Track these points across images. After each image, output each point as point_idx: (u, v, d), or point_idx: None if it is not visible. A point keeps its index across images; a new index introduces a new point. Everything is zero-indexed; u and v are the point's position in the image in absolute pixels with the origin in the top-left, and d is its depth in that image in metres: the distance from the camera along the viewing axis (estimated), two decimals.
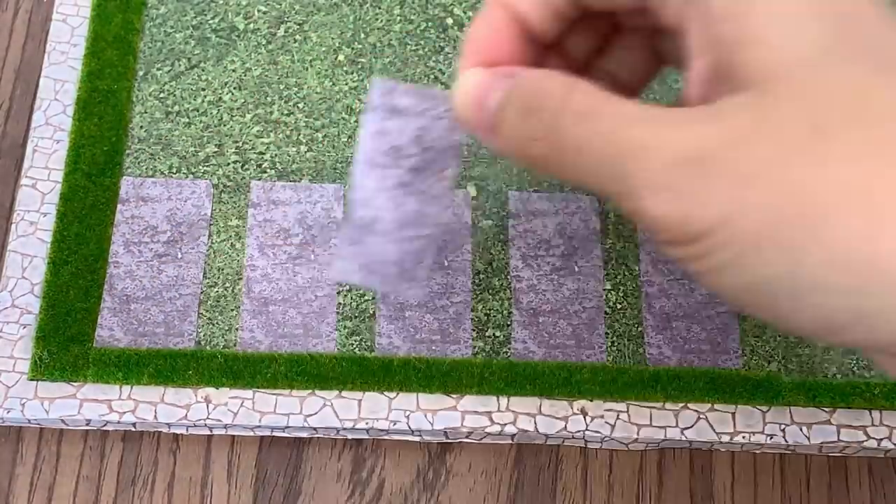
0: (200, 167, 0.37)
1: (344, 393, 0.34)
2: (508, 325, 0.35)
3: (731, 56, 0.24)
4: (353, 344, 0.35)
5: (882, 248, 0.22)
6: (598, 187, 0.25)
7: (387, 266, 0.31)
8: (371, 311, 0.35)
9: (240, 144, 0.37)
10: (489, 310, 0.35)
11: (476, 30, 0.29)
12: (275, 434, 0.34)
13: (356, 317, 0.35)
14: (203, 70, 0.39)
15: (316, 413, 0.33)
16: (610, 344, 0.35)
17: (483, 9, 0.29)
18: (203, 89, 0.38)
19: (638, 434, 0.34)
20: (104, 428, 0.34)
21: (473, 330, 0.35)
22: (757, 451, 0.35)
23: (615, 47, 0.31)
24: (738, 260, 0.23)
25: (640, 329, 0.35)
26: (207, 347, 0.34)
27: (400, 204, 0.31)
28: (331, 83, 0.39)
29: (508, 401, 0.34)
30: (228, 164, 0.37)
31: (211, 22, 0.39)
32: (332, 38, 0.39)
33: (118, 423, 0.33)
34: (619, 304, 0.35)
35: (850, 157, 0.22)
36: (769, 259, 0.23)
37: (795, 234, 0.22)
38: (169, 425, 0.33)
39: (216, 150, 0.37)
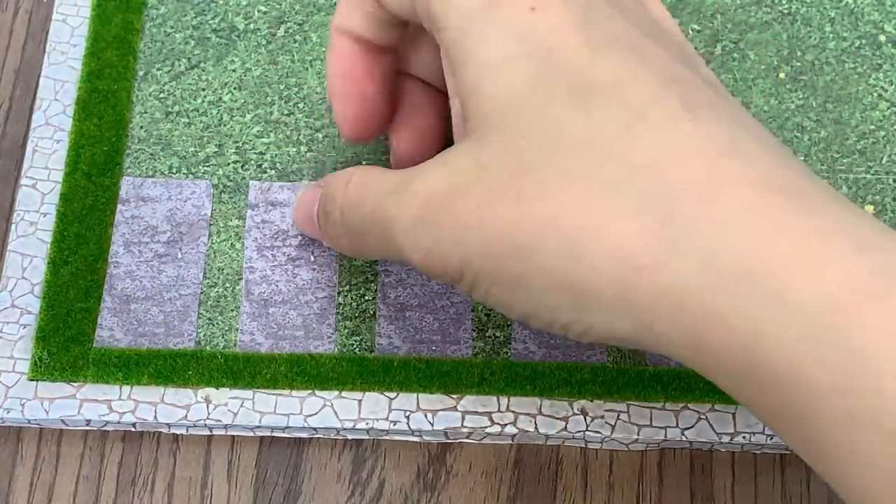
0: (200, 167, 0.37)
1: (344, 393, 0.34)
2: (509, 326, 0.35)
3: (463, 104, 0.26)
4: (353, 344, 0.35)
5: (582, 268, 0.23)
6: (395, 259, 0.29)
7: (293, 330, 0.34)
8: (371, 312, 0.35)
9: (240, 144, 0.37)
10: (489, 310, 0.35)
11: (331, 61, 0.31)
12: (275, 434, 0.34)
13: (356, 317, 0.35)
14: (203, 70, 0.39)
15: (316, 413, 0.33)
16: (610, 344, 0.35)
17: (328, 43, 0.31)
18: (203, 89, 0.38)
19: (638, 434, 0.34)
20: (104, 428, 0.34)
21: (473, 330, 0.35)
22: (757, 452, 0.35)
23: None
24: (490, 292, 0.26)
25: None
26: (207, 348, 0.34)
27: (294, 275, 0.35)
28: None
29: (508, 401, 0.34)
30: (228, 164, 0.37)
31: (211, 22, 0.39)
32: None
33: (118, 423, 0.33)
34: None
35: (547, 192, 0.24)
36: (508, 290, 0.25)
37: (516, 268, 0.25)
38: (169, 425, 0.33)
39: (216, 150, 0.37)
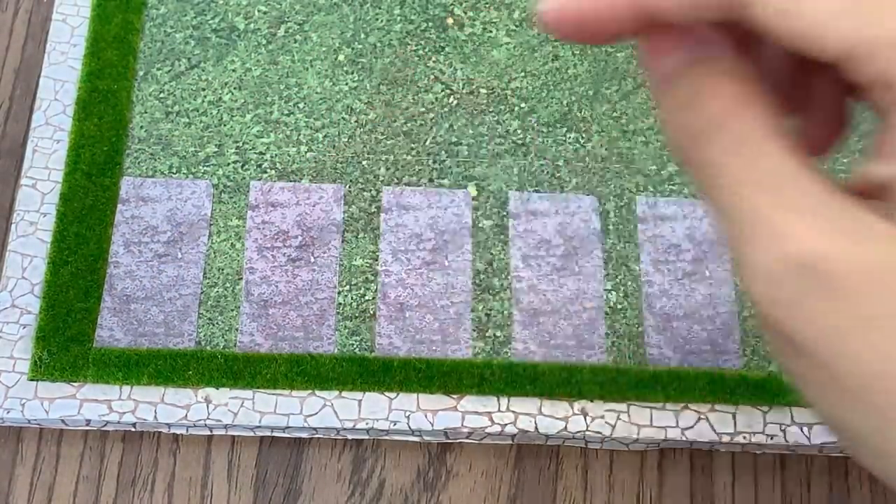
0: (200, 167, 0.37)
1: (344, 393, 0.34)
2: (509, 325, 0.35)
3: None
4: (353, 344, 0.35)
5: None
6: (716, 220, 0.22)
7: (293, 331, 0.34)
8: (371, 312, 0.35)
9: (240, 144, 0.37)
10: (489, 310, 0.35)
11: None
12: (275, 434, 0.34)
13: (356, 317, 0.35)
14: (203, 70, 0.39)
15: (316, 413, 0.33)
16: (610, 344, 0.35)
17: None
18: (203, 89, 0.38)
19: (638, 434, 0.34)
20: (104, 428, 0.34)
21: (473, 330, 0.35)
22: (757, 452, 0.35)
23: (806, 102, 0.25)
24: (828, 395, 0.21)
25: (640, 329, 0.35)
26: (207, 347, 0.34)
27: (294, 276, 0.35)
28: (331, 83, 0.39)
29: (509, 401, 0.34)
30: (228, 164, 0.37)
31: (211, 22, 0.39)
32: (332, 38, 0.39)
33: (118, 423, 0.33)
34: (620, 304, 0.35)
35: None
36: (856, 414, 0.21)
37: (882, 398, 0.20)
38: (169, 425, 0.33)
39: (216, 150, 0.37)
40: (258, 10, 0.40)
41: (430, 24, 0.40)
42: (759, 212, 0.21)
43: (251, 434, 0.34)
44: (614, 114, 0.39)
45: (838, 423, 0.21)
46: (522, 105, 0.38)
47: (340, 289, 0.35)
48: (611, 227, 0.37)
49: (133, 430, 0.34)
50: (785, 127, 0.22)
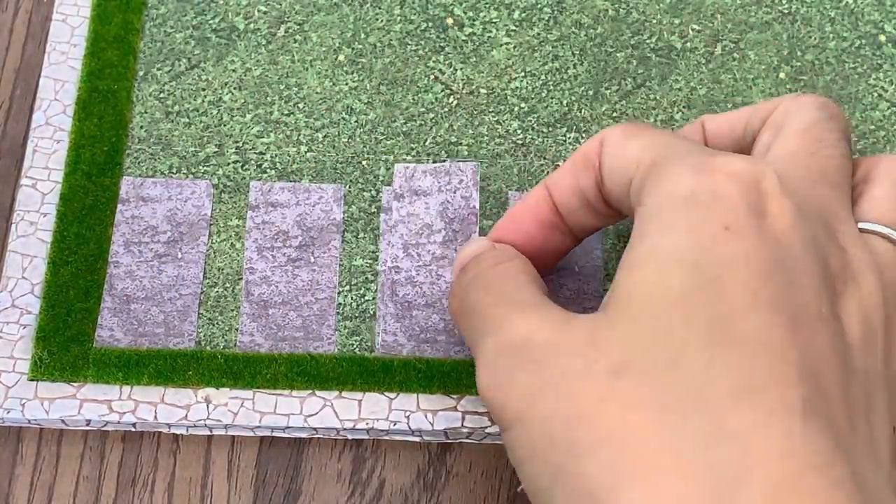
0: (200, 167, 0.37)
1: (344, 393, 0.34)
2: None
3: (619, 273, 0.26)
4: (353, 344, 0.35)
5: (623, 498, 0.22)
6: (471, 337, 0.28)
7: (293, 331, 0.34)
8: (371, 312, 0.35)
9: (240, 144, 0.37)
10: None
11: (521, 202, 0.32)
12: (275, 434, 0.34)
13: (356, 317, 0.35)
14: (203, 70, 0.39)
15: (316, 413, 0.33)
16: None
17: (537, 186, 0.32)
18: (203, 89, 0.38)
19: None
20: (104, 428, 0.34)
21: None
22: None
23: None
24: (524, 461, 0.25)
25: None
26: (207, 348, 0.34)
27: (294, 276, 0.35)
28: (331, 83, 0.39)
29: None
30: (228, 164, 0.37)
31: (211, 22, 0.39)
32: (333, 38, 0.39)
33: (118, 423, 0.33)
34: None
35: (626, 405, 0.23)
36: (539, 472, 0.24)
37: (558, 457, 0.23)
38: (169, 426, 0.33)
39: (216, 150, 0.37)
40: (258, 10, 0.40)
41: (430, 24, 0.40)
42: (493, 318, 0.27)
43: (251, 434, 0.34)
44: (614, 114, 0.39)
45: (537, 494, 0.24)
46: (522, 105, 0.39)
47: (340, 289, 0.35)
48: (611, 227, 0.37)
49: (133, 430, 0.34)
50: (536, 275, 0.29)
